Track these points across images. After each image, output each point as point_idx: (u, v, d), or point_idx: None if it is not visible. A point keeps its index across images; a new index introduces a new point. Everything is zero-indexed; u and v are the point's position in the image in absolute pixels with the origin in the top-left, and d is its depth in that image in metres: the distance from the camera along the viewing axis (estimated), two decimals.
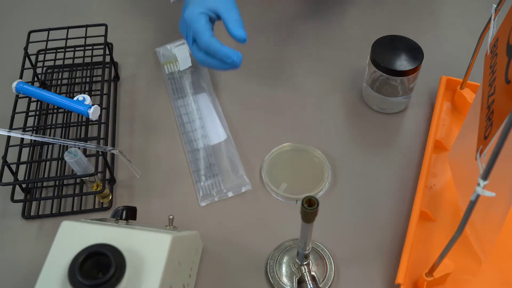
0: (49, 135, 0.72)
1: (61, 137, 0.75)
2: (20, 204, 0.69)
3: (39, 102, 0.76)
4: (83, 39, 0.77)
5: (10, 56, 0.86)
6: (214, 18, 0.67)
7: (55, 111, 0.77)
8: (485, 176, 0.40)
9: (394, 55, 0.69)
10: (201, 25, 0.64)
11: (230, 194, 0.69)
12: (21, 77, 0.72)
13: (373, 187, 0.70)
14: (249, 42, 0.66)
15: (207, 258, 0.64)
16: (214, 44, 0.64)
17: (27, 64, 0.76)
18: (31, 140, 0.68)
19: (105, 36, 0.77)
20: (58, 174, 0.72)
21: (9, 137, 0.67)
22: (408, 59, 0.69)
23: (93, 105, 0.66)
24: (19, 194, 0.70)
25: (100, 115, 0.67)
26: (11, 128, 0.69)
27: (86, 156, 0.66)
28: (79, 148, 0.63)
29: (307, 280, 0.59)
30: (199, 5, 0.66)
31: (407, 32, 0.73)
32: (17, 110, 0.71)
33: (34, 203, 0.70)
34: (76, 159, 0.62)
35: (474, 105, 0.59)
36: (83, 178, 0.67)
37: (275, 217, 0.67)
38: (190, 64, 0.81)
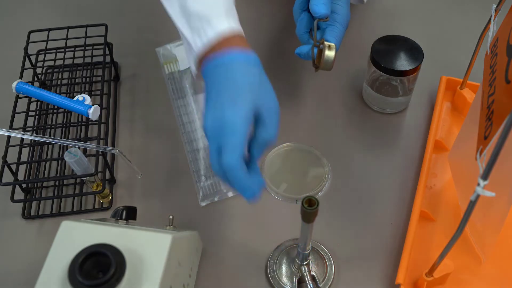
0: (49, 135, 0.72)
1: (61, 137, 0.75)
2: (20, 204, 0.69)
3: (39, 102, 0.76)
4: (83, 39, 0.77)
5: (10, 56, 0.86)
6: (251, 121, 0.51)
7: (55, 111, 0.77)
8: (485, 176, 0.40)
9: (394, 55, 0.69)
10: (238, 137, 0.48)
11: (230, 194, 0.69)
12: (21, 77, 0.72)
13: (373, 187, 0.69)
14: (248, 42, 0.66)
15: (207, 258, 0.64)
16: (236, 172, 0.48)
17: (27, 64, 0.76)
18: (31, 140, 0.68)
19: (105, 36, 0.77)
20: (58, 174, 0.72)
21: (9, 137, 0.67)
22: (408, 59, 0.69)
23: (93, 105, 0.66)
24: (19, 194, 0.70)
25: (100, 115, 0.67)
26: (11, 128, 0.69)
27: (86, 156, 0.66)
28: (79, 148, 0.63)
29: (307, 280, 0.59)
30: (244, 102, 0.50)
31: (407, 32, 0.73)
32: (17, 110, 0.71)
33: (34, 203, 0.70)
34: (76, 159, 0.62)
35: (474, 105, 0.59)
36: (83, 178, 0.67)
37: (275, 217, 0.67)
38: None
